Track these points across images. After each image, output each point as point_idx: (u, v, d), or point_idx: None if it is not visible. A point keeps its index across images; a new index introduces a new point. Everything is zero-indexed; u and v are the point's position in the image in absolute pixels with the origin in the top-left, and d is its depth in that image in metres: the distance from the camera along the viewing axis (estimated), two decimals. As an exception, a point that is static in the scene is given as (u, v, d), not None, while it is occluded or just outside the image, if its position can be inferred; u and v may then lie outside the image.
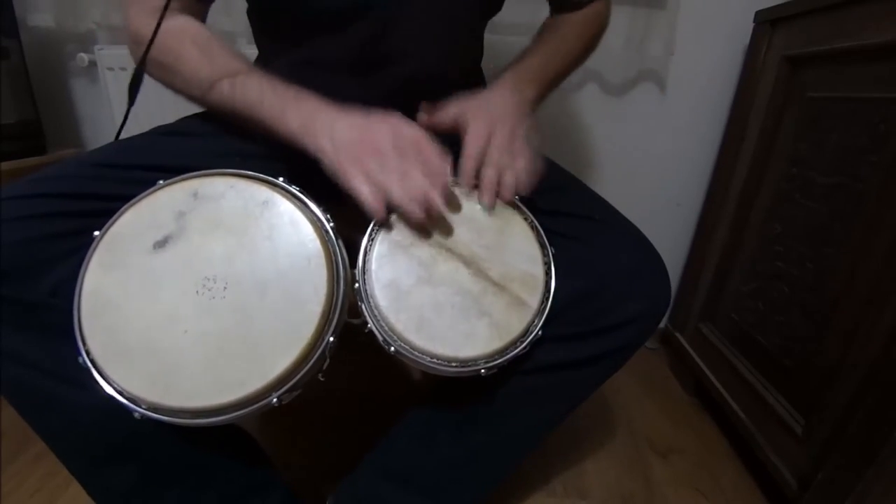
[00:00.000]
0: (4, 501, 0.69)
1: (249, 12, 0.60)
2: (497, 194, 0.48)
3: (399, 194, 0.43)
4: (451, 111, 0.51)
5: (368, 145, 0.44)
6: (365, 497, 0.57)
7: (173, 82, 0.52)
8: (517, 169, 0.48)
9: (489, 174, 0.47)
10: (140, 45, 0.52)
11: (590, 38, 0.65)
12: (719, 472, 0.82)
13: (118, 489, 0.47)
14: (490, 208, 0.48)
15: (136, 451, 0.45)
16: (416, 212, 0.43)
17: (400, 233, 0.45)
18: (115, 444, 0.45)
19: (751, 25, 0.91)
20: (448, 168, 0.45)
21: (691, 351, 1.00)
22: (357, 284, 0.43)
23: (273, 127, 0.48)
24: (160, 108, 0.91)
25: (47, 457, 0.47)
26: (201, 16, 0.57)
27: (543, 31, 0.65)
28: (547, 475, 0.79)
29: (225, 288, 0.39)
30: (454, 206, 0.47)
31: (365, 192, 0.42)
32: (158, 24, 0.46)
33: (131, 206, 0.41)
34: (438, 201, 0.43)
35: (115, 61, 0.94)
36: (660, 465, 0.83)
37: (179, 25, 0.51)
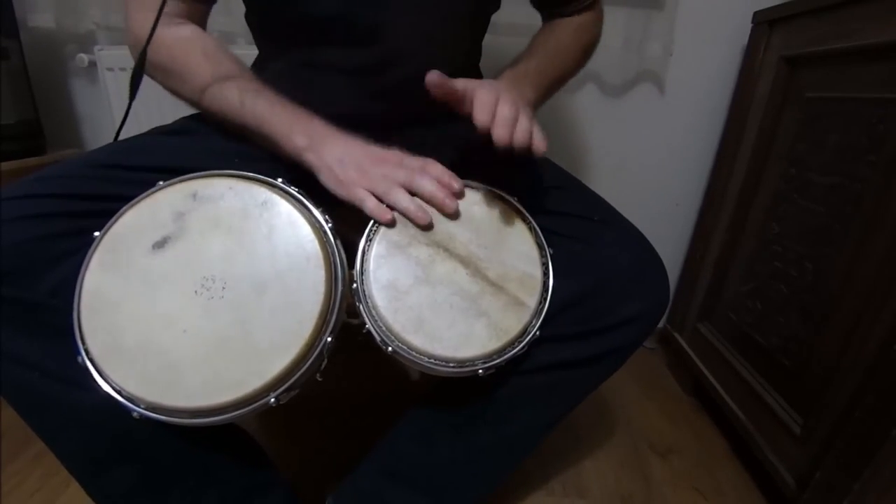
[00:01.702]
0: (4, 501, 0.69)
1: (247, 15, 0.60)
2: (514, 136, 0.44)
3: (405, 201, 0.45)
4: (458, 84, 0.47)
5: (376, 161, 0.47)
6: (365, 496, 0.57)
7: (180, 90, 0.53)
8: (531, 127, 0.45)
9: (504, 111, 0.43)
10: (140, 45, 0.52)
11: (586, 46, 0.64)
12: (718, 471, 0.83)
13: (118, 489, 0.47)
14: (507, 143, 0.43)
15: (135, 452, 0.45)
16: (422, 216, 0.45)
17: (398, 233, 0.45)
18: (114, 445, 0.45)
19: (749, 26, 0.91)
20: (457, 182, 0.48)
21: (690, 351, 1.00)
22: (355, 285, 0.43)
23: (279, 142, 0.49)
24: (160, 108, 0.91)
25: (47, 456, 0.47)
26: (203, 17, 0.58)
27: (539, 36, 0.64)
28: (546, 474, 0.79)
29: (224, 288, 0.39)
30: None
31: (370, 202, 0.45)
32: (156, 22, 0.46)
33: (131, 206, 0.41)
34: (450, 203, 0.46)
35: (115, 62, 0.94)
36: (659, 465, 0.83)
37: (188, 35, 0.52)
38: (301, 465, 0.77)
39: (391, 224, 0.46)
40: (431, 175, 0.47)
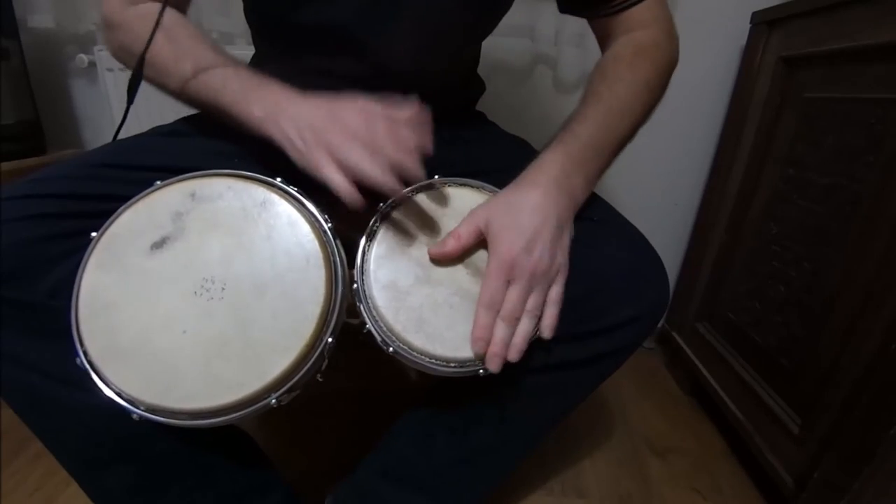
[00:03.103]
0: (4, 501, 0.69)
1: (247, 16, 0.60)
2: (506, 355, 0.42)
3: (370, 169, 0.39)
4: (474, 221, 0.44)
5: (337, 128, 0.42)
6: (364, 496, 0.57)
7: (146, 73, 0.51)
8: (537, 316, 0.43)
9: (500, 333, 0.42)
10: (110, 29, 0.52)
11: (648, 82, 0.52)
12: (716, 471, 0.83)
13: (117, 490, 0.47)
14: (496, 372, 0.42)
15: (134, 452, 0.45)
16: (390, 183, 0.40)
17: (399, 233, 0.45)
18: (113, 446, 0.45)
19: (748, 26, 0.91)
20: (422, 139, 0.43)
21: (688, 350, 1.01)
22: (355, 285, 0.43)
23: (235, 114, 0.46)
24: (159, 108, 0.91)
25: (47, 456, 0.47)
26: (183, 7, 0.56)
27: (591, 82, 0.53)
28: (545, 474, 0.80)
29: (223, 289, 0.39)
30: (451, 205, 0.47)
31: (336, 179, 0.40)
32: (157, 24, 0.46)
33: (129, 206, 0.41)
34: (414, 170, 0.41)
35: (115, 62, 0.94)
36: (657, 465, 0.84)
37: (150, 10, 0.49)
38: (301, 466, 0.77)
39: (361, 208, 0.41)
40: (397, 135, 0.41)
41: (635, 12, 0.54)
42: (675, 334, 1.07)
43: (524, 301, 0.42)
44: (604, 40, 0.58)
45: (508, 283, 0.42)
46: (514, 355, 0.42)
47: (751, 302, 0.84)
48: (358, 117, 0.42)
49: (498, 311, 0.42)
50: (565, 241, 0.45)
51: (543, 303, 0.43)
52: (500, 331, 0.42)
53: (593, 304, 0.48)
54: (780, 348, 0.74)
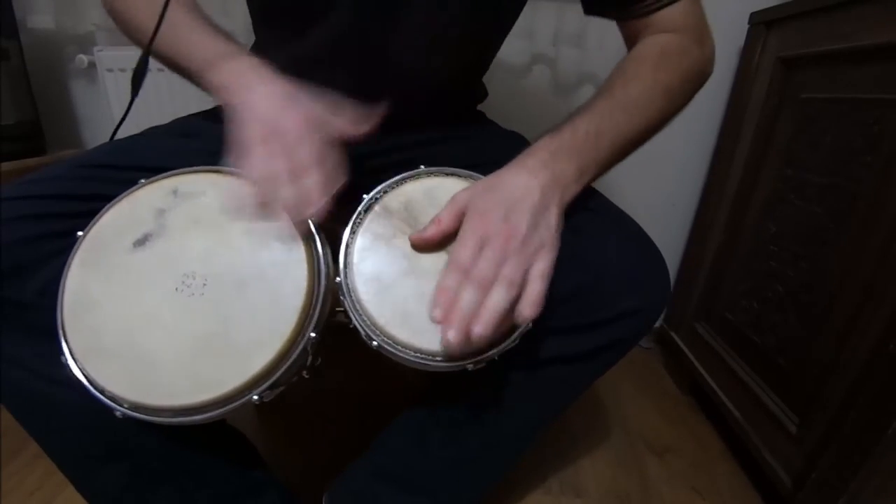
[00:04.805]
0: (4, 500, 0.69)
1: (249, 4, 0.60)
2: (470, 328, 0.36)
3: (287, 193, 0.39)
4: (456, 205, 0.42)
5: (275, 128, 0.41)
6: (360, 495, 0.57)
7: (126, 30, 0.53)
8: (513, 288, 0.37)
9: (465, 297, 0.36)
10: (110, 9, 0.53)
11: (668, 87, 0.50)
12: (714, 470, 0.82)
13: (110, 489, 0.47)
14: (456, 348, 0.36)
15: (126, 451, 0.45)
16: (296, 215, 0.40)
17: (382, 225, 0.44)
18: (105, 444, 0.45)
19: (746, 27, 0.91)
20: (337, 186, 0.41)
21: (686, 350, 1.00)
22: (339, 279, 0.42)
23: (200, 78, 0.46)
24: (158, 107, 0.92)
25: (46, 456, 0.47)
26: None
27: (609, 79, 0.51)
28: (543, 473, 0.79)
29: (204, 285, 0.39)
30: (437, 194, 0.46)
31: (256, 178, 0.40)
32: (161, 16, 0.46)
33: (112, 205, 0.41)
34: (312, 214, 0.39)
35: (115, 63, 0.94)
36: (655, 464, 0.83)
37: None
38: (298, 465, 0.77)
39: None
40: (324, 169, 0.40)
41: (667, 15, 0.52)
42: (673, 334, 1.07)
43: (497, 266, 0.37)
44: (632, 43, 0.56)
45: (482, 249, 0.38)
46: (478, 328, 0.35)
47: (749, 301, 0.84)
48: (296, 132, 0.41)
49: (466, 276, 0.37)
50: (551, 219, 0.41)
51: (524, 278, 0.38)
52: (467, 294, 0.36)
53: (589, 296, 0.46)
54: (778, 348, 0.74)
